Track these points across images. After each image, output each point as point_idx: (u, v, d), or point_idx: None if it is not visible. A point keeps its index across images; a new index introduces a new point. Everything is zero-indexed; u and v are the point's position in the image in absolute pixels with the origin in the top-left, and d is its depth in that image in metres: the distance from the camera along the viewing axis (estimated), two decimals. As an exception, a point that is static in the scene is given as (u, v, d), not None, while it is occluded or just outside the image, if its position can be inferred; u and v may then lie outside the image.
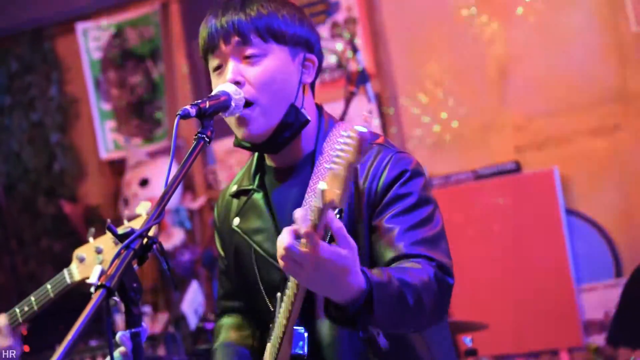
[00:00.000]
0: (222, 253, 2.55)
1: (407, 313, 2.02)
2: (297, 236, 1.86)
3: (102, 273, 2.54)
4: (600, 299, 5.09)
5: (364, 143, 1.73)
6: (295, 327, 2.20)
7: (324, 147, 2.31)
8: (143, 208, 2.65)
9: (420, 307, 2.04)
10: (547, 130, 5.28)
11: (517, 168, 5.28)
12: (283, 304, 2.20)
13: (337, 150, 1.76)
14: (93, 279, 2.59)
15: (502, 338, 5.03)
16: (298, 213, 1.86)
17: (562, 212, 5.13)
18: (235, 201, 2.48)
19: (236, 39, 2.25)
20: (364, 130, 1.72)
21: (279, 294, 2.30)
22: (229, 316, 2.57)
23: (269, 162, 2.42)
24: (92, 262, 2.85)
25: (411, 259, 2.12)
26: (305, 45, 2.34)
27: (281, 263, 1.92)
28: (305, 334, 2.21)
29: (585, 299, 5.13)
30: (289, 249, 1.85)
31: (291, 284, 2.12)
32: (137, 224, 2.76)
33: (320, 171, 2.27)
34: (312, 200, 2.24)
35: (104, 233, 2.82)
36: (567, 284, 5.08)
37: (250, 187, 2.42)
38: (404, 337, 2.27)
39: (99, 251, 2.85)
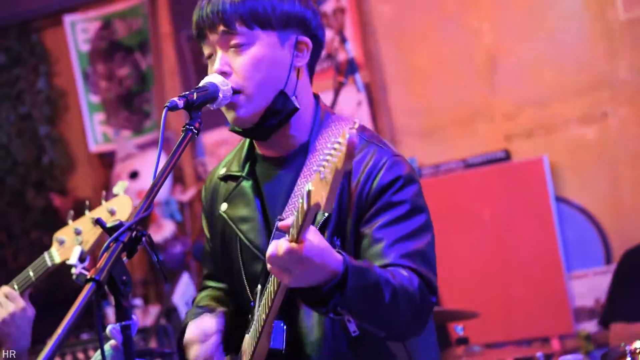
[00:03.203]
0: (207, 235, 2.54)
1: (381, 308, 2.02)
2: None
3: (82, 254, 2.52)
4: (591, 286, 5.12)
5: (353, 150, 1.71)
6: (275, 321, 2.20)
7: (319, 139, 2.30)
8: (120, 187, 2.64)
9: (395, 307, 2.04)
10: (536, 119, 5.29)
11: (507, 156, 5.29)
12: (263, 298, 2.20)
13: (326, 154, 1.75)
14: (73, 259, 2.58)
15: (493, 326, 5.05)
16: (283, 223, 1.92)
17: (552, 200, 5.14)
18: (223, 185, 2.46)
19: (222, 28, 2.24)
20: (355, 135, 1.71)
21: (259, 287, 2.29)
22: (210, 290, 2.56)
23: (259, 150, 2.40)
24: (72, 243, 2.84)
25: (399, 267, 2.11)
26: (298, 25, 2.29)
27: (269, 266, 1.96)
28: (285, 328, 2.21)
29: (576, 286, 5.15)
30: (271, 257, 1.90)
31: (273, 278, 2.12)
32: (114, 204, 2.75)
33: (313, 164, 2.26)
34: (300, 194, 2.24)
35: (83, 214, 2.82)
36: (557, 272, 5.10)
37: (240, 174, 2.41)
38: (383, 342, 2.26)
39: (77, 232, 2.84)
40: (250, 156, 2.43)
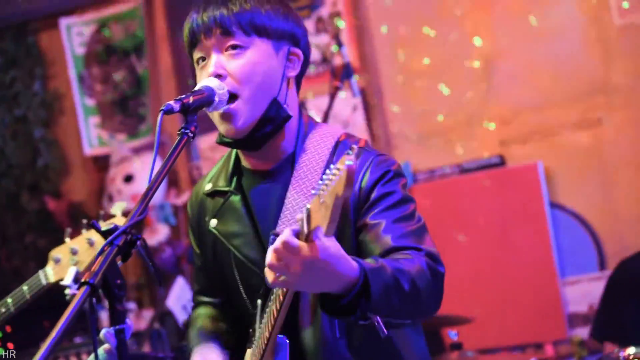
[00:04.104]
0: (197, 250, 2.53)
1: (404, 299, 2.01)
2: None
3: (77, 274, 2.52)
4: (584, 292, 5.12)
5: (353, 176, 1.71)
6: (277, 336, 2.20)
7: (304, 150, 2.31)
8: (118, 208, 2.63)
9: (416, 293, 2.04)
10: (532, 124, 5.29)
11: (502, 162, 5.30)
12: (265, 315, 2.19)
13: (326, 179, 1.75)
14: (67, 280, 2.57)
15: (487, 332, 5.05)
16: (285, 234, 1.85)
17: (547, 205, 5.15)
18: (210, 200, 2.45)
19: (218, 32, 2.25)
20: (354, 162, 1.71)
21: (259, 301, 2.29)
22: (205, 307, 2.56)
23: (246, 164, 2.40)
24: (67, 263, 2.82)
25: (400, 251, 2.12)
26: (290, 39, 2.32)
27: (269, 276, 1.91)
28: (287, 343, 2.20)
29: (570, 292, 5.16)
30: (286, 243, 1.83)
31: (276, 294, 2.11)
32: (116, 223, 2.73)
33: (300, 176, 2.27)
34: (292, 205, 2.25)
35: (80, 233, 2.80)
36: (552, 277, 5.10)
37: (227, 189, 2.40)
38: (382, 347, 2.28)
39: (74, 252, 2.82)
40: (237, 170, 2.42)
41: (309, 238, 1.81)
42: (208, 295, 2.55)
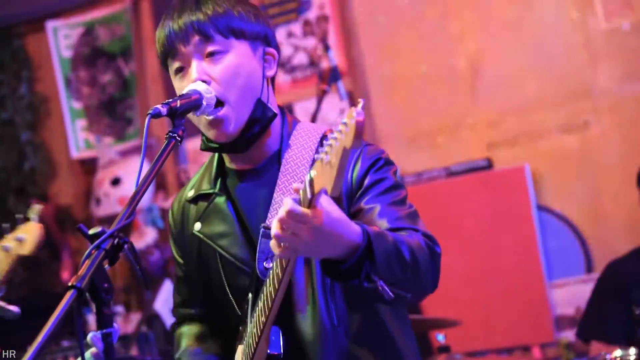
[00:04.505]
0: (179, 260, 2.50)
1: (405, 268, 2.02)
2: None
3: None
4: (571, 295, 5.13)
5: (363, 127, 1.70)
6: (272, 327, 2.19)
7: (290, 147, 2.31)
8: (34, 212, 2.57)
9: (415, 264, 2.04)
10: (518, 127, 5.31)
11: (489, 165, 5.31)
12: (260, 303, 2.18)
13: (330, 139, 1.74)
14: None
15: (475, 334, 5.06)
16: (288, 203, 1.84)
17: (534, 208, 5.16)
18: (193, 207, 2.44)
19: (196, 38, 2.24)
20: (362, 113, 1.70)
21: (250, 295, 2.28)
22: (188, 324, 2.53)
23: (230, 165, 2.39)
24: None
25: (397, 232, 2.12)
26: (264, 39, 2.33)
27: (275, 247, 1.90)
28: (281, 333, 2.20)
29: (557, 295, 5.17)
30: (291, 212, 1.82)
31: (270, 281, 2.10)
32: (23, 232, 2.63)
33: (288, 170, 2.27)
34: (280, 200, 2.24)
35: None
36: (539, 280, 5.12)
37: (212, 191, 2.39)
38: (379, 334, 2.27)
39: None
40: (221, 172, 2.41)
41: (311, 204, 1.82)
42: (190, 307, 2.52)
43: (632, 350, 3.41)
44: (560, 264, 5.18)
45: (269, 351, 2.18)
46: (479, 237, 5.23)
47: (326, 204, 1.85)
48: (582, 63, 5.18)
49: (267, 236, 2.15)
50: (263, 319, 2.16)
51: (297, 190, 1.86)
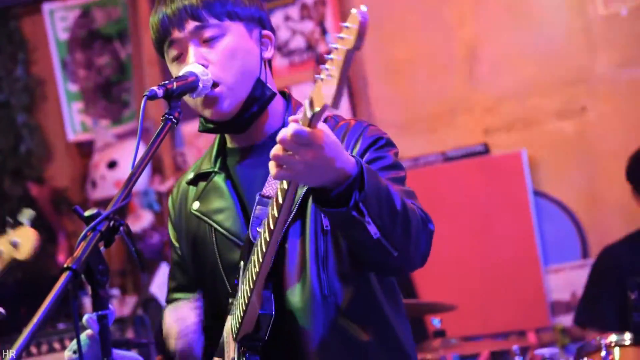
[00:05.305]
0: (176, 244, 2.49)
1: (395, 215, 1.99)
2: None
3: None
4: (567, 280, 5.14)
5: (365, 27, 1.68)
6: (263, 291, 2.17)
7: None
8: (26, 216, 2.55)
9: (406, 219, 2.01)
10: (515, 113, 5.31)
11: (486, 150, 5.31)
12: (253, 257, 2.14)
13: (332, 51, 1.72)
14: None
15: (470, 319, 5.07)
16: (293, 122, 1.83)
17: (530, 193, 5.17)
18: (192, 188, 2.44)
19: (192, 23, 2.23)
20: (366, 15, 1.67)
21: (242, 263, 2.26)
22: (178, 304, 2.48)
23: (230, 143, 2.40)
24: None
25: None
26: (259, 22, 2.32)
27: (273, 168, 1.89)
28: (272, 296, 2.18)
29: (552, 280, 5.18)
30: (296, 133, 1.81)
31: (265, 227, 2.07)
32: (18, 236, 2.61)
33: None
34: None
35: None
36: (535, 265, 5.13)
37: (211, 169, 2.39)
38: (369, 307, 2.27)
39: None
40: (222, 152, 2.41)
41: (311, 124, 1.81)
42: (184, 291, 2.50)
43: (627, 335, 3.42)
44: (556, 249, 5.19)
45: (260, 311, 2.16)
46: (475, 223, 5.23)
47: (323, 125, 1.85)
48: (580, 48, 5.18)
49: (263, 203, 2.18)
50: (256, 269, 2.12)
51: (295, 121, 1.84)
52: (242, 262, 2.27)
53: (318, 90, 1.76)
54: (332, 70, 1.72)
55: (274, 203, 2.02)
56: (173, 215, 2.51)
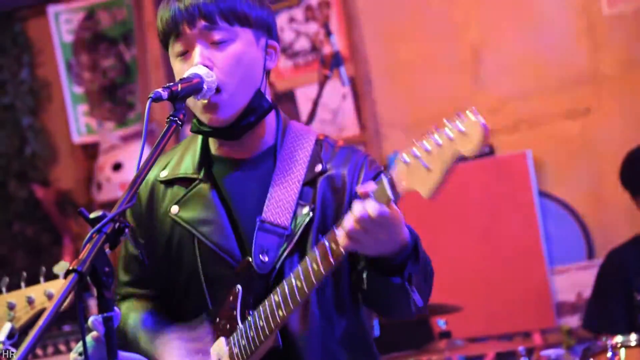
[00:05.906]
0: (140, 240, 2.41)
1: (427, 280, 2.15)
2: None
3: (12, 330, 2.46)
4: (573, 281, 5.14)
5: (488, 135, 1.80)
6: None
7: (285, 144, 2.31)
8: (61, 268, 2.54)
9: (430, 277, 2.18)
10: (520, 113, 5.30)
11: (491, 151, 5.30)
12: (275, 297, 2.13)
13: (428, 142, 1.84)
14: (1, 336, 2.50)
15: (476, 320, 5.05)
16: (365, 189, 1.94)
17: (535, 194, 5.15)
18: (167, 189, 2.38)
19: (202, 22, 2.22)
20: (484, 121, 1.81)
21: (239, 287, 2.24)
22: (137, 301, 2.45)
23: (217, 152, 2.36)
24: (4, 316, 2.69)
25: None
26: (266, 29, 2.31)
27: (344, 241, 1.97)
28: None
29: (558, 281, 5.17)
30: (380, 215, 1.92)
31: (302, 274, 2.09)
32: (53, 288, 2.62)
33: (285, 167, 2.27)
34: (277, 194, 2.25)
35: (18, 286, 2.67)
36: (540, 266, 5.11)
37: (195, 176, 2.35)
38: (360, 334, 2.34)
39: (11, 307, 2.67)
40: (206, 158, 2.37)
41: (389, 205, 1.91)
42: (140, 287, 2.45)
43: (633, 336, 3.42)
44: (561, 250, 5.18)
45: (272, 344, 2.19)
46: (480, 224, 5.22)
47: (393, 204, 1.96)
48: (585, 49, 5.17)
49: (265, 230, 2.20)
50: (281, 313, 2.13)
51: (363, 194, 1.93)
52: (239, 287, 2.25)
53: (402, 172, 1.86)
54: (429, 160, 1.83)
55: (319, 259, 2.06)
56: (138, 210, 2.41)
